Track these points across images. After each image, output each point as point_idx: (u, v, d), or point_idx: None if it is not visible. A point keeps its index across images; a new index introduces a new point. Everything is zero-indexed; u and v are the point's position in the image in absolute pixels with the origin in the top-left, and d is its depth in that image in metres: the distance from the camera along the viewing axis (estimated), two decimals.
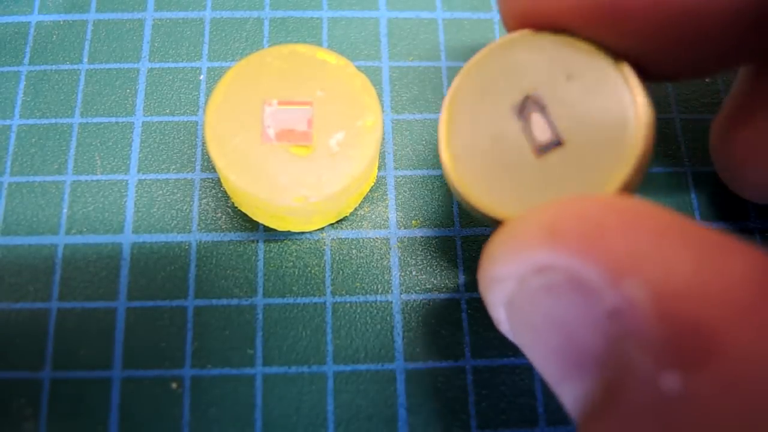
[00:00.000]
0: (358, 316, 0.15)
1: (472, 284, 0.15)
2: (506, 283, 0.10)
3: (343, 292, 0.15)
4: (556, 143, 0.11)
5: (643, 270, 0.08)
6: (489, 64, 0.12)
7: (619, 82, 0.10)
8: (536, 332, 0.09)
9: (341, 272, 0.15)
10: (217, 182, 0.16)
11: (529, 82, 0.11)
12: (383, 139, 0.17)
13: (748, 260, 0.08)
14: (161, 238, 0.15)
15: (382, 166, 0.16)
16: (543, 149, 0.11)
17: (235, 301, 0.15)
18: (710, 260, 0.08)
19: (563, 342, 0.09)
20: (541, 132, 0.11)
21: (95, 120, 0.16)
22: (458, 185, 0.11)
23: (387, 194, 0.16)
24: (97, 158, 0.16)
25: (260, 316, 0.15)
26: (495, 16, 0.18)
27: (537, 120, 0.11)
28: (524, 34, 0.11)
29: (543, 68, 0.11)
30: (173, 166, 0.16)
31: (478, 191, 0.11)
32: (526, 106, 0.11)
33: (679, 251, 0.08)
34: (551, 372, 0.09)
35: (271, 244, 0.15)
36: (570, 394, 0.09)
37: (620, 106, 0.10)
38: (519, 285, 0.09)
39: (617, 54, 0.11)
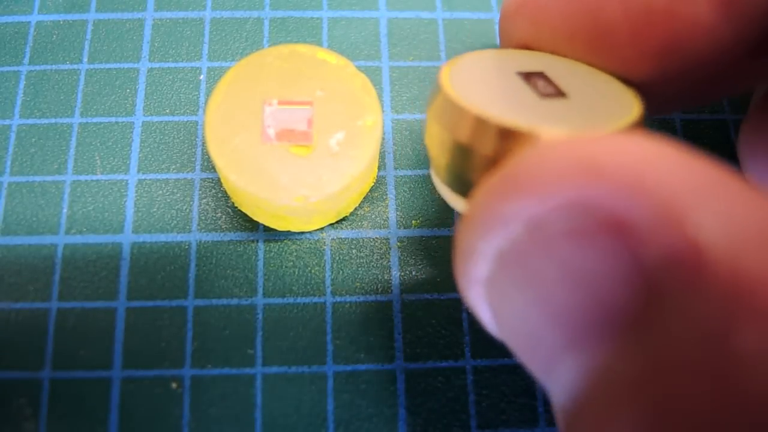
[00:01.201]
0: (358, 316, 0.15)
1: None
2: (510, 226, 0.08)
3: (343, 292, 0.15)
4: (560, 94, 0.11)
5: (712, 210, 0.06)
6: (490, 56, 0.12)
7: (619, 88, 0.11)
8: (540, 291, 0.08)
9: (341, 272, 0.15)
10: (217, 182, 0.16)
11: (532, 65, 0.11)
12: (383, 139, 0.17)
13: None
14: (161, 238, 0.15)
15: (382, 166, 0.16)
16: (546, 95, 0.11)
17: (235, 301, 0.15)
18: None
19: (579, 301, 0.07)
20: (545, 87, 0.11)
21: (95, 120, 0.16)
22: (466, 105, 0.10)
23: (387, 194, 0.16)
24: (97, 158, 0.16)
25: (260, 316, 0.15)
26: (495, 16, 0.18)
27: (541, 82, 0.11)
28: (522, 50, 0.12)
29: (544, 66, 0.11)
30: (173, 166, 0.16)
31: (482, 105, 0.10)
32: (531, 75, 0.11)
33: (746, 195, 0.07)
34: (549, 343, 0.08)
35: (271, 244, 0.15)
36: (573, 370, 0.08)
37: (621, 99, 0.11)
38: (529, 228, 0.08)
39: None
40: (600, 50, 0.11)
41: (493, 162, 0.10)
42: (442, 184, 0.11)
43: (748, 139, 0.14)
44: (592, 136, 0.08)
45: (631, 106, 0.10)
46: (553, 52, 0.12)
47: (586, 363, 0.08)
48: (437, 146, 0.11)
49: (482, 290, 0.09)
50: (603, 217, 0.07)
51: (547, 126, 0.09)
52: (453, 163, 0.11)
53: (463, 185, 0.11)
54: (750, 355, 0.06)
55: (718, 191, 0.07)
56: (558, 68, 0.11)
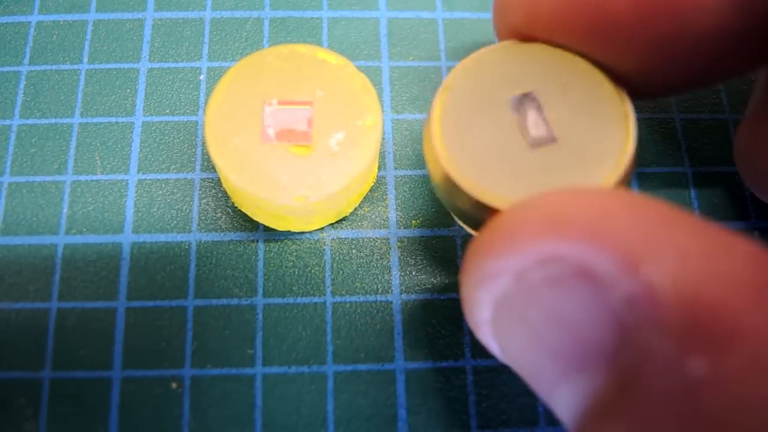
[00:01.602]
0: (358, 316, 0.15)
1: None
2: (500, 278, 0.09)
3: (343, 292, 0.15)
4: (551, 139, 0.11)
5: (660, 255, 0.07)
6: (484, 65, 0.12)
7: (611, 98, 0.11)
8: (532, 331, 0.09)
9: (341, 272, 0.15)
10: (217, 182, 0.16)
11: (525, 84, 0.11)
12: (383, 139, 0.17)
13: (748, 247, 0.08)
14: (161, 238, 0.15)
15: (382, 166, 0.16)
16: (537, 143, 0.11)
17: (235, 301, 0.15)
18: (718, 246, 0.08)
19: (565, 338, 0.09)
20: (536, 128, 0.11)
21: (95, 120, 0.16)
22: (449, 168, 0.11)
23: (387, 194, 0.16)
24: (97, 158, 0.16)
25: (260, 316, 0.15)
26: None
27: (532, 116, 0.11)
28: (516, 43, 0.12)
29: (539, 74, 0.11)
30: (173, 166, 0.16)
31: (469, 176, 0.11)
32: (523, 102, 0.11)
33: (690, 238, 0.08)
34: (546, 374, 0.09)
35: (271, 244, 0.15)
36: (569, 395, 0.09)
37: (612, 121, 0.11)
38: (516, 280, 0.09)
39: (608, 70, 0.11)
40: (600, 37, 0.11)
41: (475, 204, 0.11)
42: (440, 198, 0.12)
43: (745, 142, 0.14)
44: (557, 192, 0.09)
45: (623, 137, 0.10)
46: (548, 41, 0.11)
47: (579, 391, 0.09)
48: (430, 168, 0.12)
49: (488, 330, 0.10)
50: (573, 267, 0.08)
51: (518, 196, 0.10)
52: (441, 189, 0.11)
53: (453, 208, 0.12)
54: (703, 380, 0.07)
55: (668, 235, 0.08)
56: (552, 77, 0.11)
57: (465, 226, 0.13)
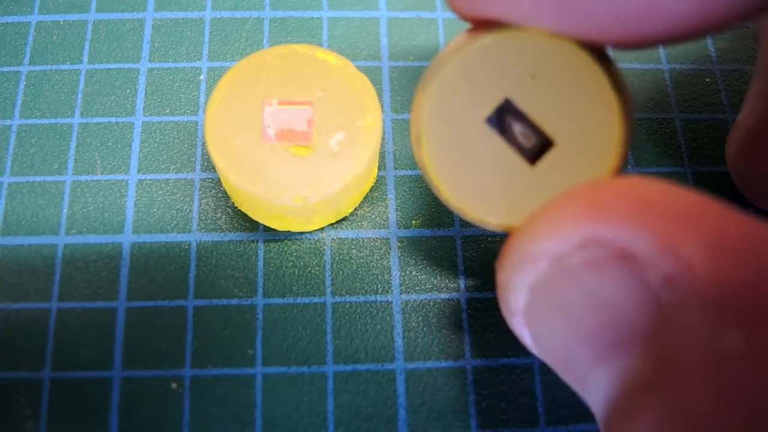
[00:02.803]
0: (358, 316, 0.15)
1: (472, 284, 0.15)
2: (538, 263, 0.09)
3: (343, 292, 0.15)
4: (548, 144, 0.10)
5: (697, 236, 0.08)
6: (451, 78, 0.11)
7: (594, 78, 0.10)
8: (569, 315, 0.09)
9: (341, 272, 0.15)
10: (217, 182, 0.16)
11: (497, 89, 0.10)
12: (383, 139, 0.17)
13: None
14: (161, 238, 0.15)
15: (382, 166, 0.16)
16: (534, 154, 0.11)
17: (235, 301, 0.15)
18: (750, 228, 0.08)
19: (603, 321, 0.09)
20: (527, 138, 0.11)
21: (95, 120, 0.16)
22: (458, 208, 0.11)
23: (387, 194, 0.16)
24: (97, 158, 0.16)
25: (260, 316, 0.15)
26: None
27: (518, 128, 0.11)
28: (478, 38, 0.11)
29: (508, 72, 0.10)
30: (173, 166, 0.16)
31: (479, 210, 0.11)
32: (503, 117, 0.11)
33: (724, 219, 0.08)
34: (582, 359, 0.09)
35: (271, 244, 0.15)
36: (606, 378, 0.09)
37: (599, 104, 0.10)
38: (555, 263, 0.09)
39: (582, 42, 0.10)
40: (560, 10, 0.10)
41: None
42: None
43: (737, 148, 0.14)
44: (598, 182, 0.09)
45: (612, 132, 0.10)
46: (517, 23, 0.10)
47: (615, 373, 0.09)
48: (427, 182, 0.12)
49: (522, 319, 0.10)
50: (612, 250, 0.08)
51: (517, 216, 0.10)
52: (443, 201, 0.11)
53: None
54: (738, 355, 0.07)
55: (702, 216, 0.08)
56: (524, 71, 0.10)
57: None
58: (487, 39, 0.10)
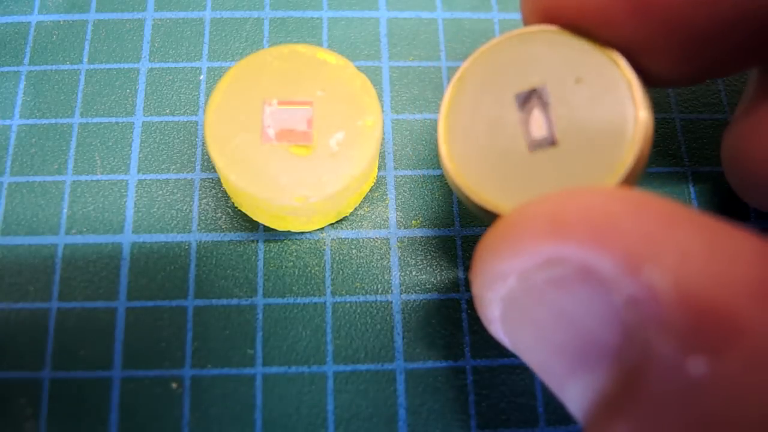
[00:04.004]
0: (358, 316, 0.15)
1: None
2: (506, 279, 0.09)
3: (343, 292, 0.15)
4: (550, 142, 0.11)
5: (661, 257, 0.08)
6: (500, 53, 0.12)
7: (625, 92, 0.10)
8: (539, 329, 0.09)
9: (341, 272, 0.15)
10: (217, 182, 0.16)
11: (537, 77, 0.11)
12: (383, 139, 0.17)
13: (751, 243, 0.08)
14: (161, 238, 0.15)
15: (382, 166, 0.16)
16: (536, 145, 0.11)
17: (235, 301, 0.15)
18: (720, 245, 0.08)
19: (571, 337, 0.09)
20: (538, 128, 0.11)
21: (95, 120, 0.16)
22: (453, 174, 0.11)
23: (387, 194, 0.16)
24: (97, 158, 0.16)
25: (260, 316, 0.15)
26: (495, 16, 0.18)
27: (537, 115, 0.11)
28: (539, 29, 0.11)
29: (553, 66, 0.11)
30: (173, 166, 0.16)
31: (472, 180, 0.11)
32: (530, 99, 0.11)
33: (691, 237, 0.08)
34: (555, 371, 0.09)
35: (271, 244, 0.15)
36: (578, 391, 0.09)
37: (622, 118, 0.10)
38: (521, 280, 0.09)
39: (627, 57, 0.11)
40: (634, 20, 0.10)
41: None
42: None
43: (732, 145, 0.14)
44: (558, 193, 0.09)
45: (630, 136, 0.10)
46: (572, 25, 0.11)
47: (587, 387, 0.09)
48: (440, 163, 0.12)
49: (499, 327, 0.10)
50: (576, 268, 0.08)
51: (516, 202, 0.10)
52: (455, 188, 0.12)
53: (467, 202, 0.12)
54: (703, 381, 0.07)
55: (669, 234, 0.08)
56: (567, 71, 0.11)
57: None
58: (533, 29, 0.11)
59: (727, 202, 0.16)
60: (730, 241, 0.08)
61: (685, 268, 0.07)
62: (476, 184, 0.11)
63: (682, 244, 0.08)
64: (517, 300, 0.09)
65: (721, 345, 0.07)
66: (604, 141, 0.10)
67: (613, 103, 0.10)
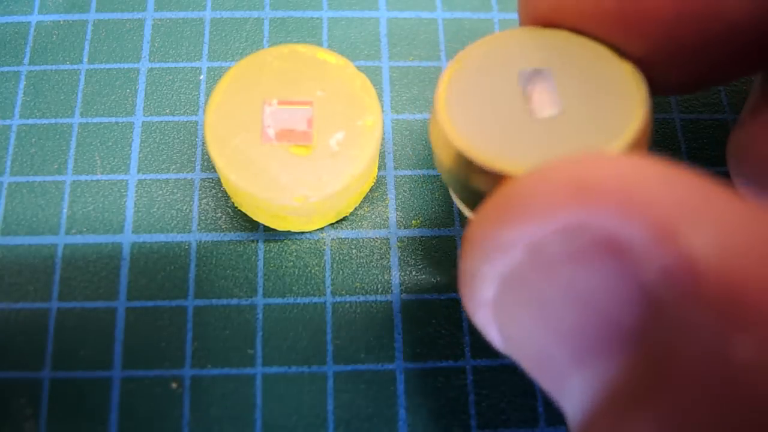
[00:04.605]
0: (358, 316, 0.15)
1: None
2: (509, 251, 0.08)
3: (343, 292, 0.15)
4: (555, 112, 0.11)
5: (701, 225, 0.07)
6: (503, 41, 0.12)
7: (628, 80, 0.11)
8: (546, 311, 0.08)
9: (341, 272, 0.15)
10: (217, 182, 0.16)
11: (540, 60, 0.11)
12: (383, 139, 0.17)
13: None
14: (161, 238, 0.15)
15: (382, 166, 0.16)
16: (540, 114, 0.11)
17: (235, 301, 0.15)
18: (762, 219, 0.07)
19: (582, 320, 0.08)
20: (542, 100, 0.11)
21: (95, 120, 0.16)
22: (453, 138, 0.11)
23: (387, 194, 0.16)
24: (97, 158, 0.16)
25: (260, 316, 0.15)
26: (495, 16, 0.18)
27: (541, 88, 0.11)
28: (538, 28, 0.12)
29: (556, 54, 0.11)
30: (173, 166, 0.16)
31: (481, 148, 0.10)
32: (533, 76, 0.11)
33: (731, 208, 0.07)
34: (557, 362, 0.08)
35: (271, 244, 0.15)
36: (582, 385, 0.08)
37: (626, 90, 0.10)
38: (530, 252, 0.08)
39: (629, 59, 0.11)
40: (629, 26, 0.10)
41: (491, 179, 0.10)
42: (449, 187, 0.12)
43: (739, 147, 0.14)
44: (581, 157, 0.08)
45: (634, 116, 0.10)
46: (574, 28, 0.11)
47: (595, 378, 0.08)
48: (438, 152, 0.11)
49: (489, 312, 0.09)
50: (599, 239, 0.07)
51: (527, 163, 0.09)
52: (453, 171, 0.11)
53: (466, 191, 0.12)
54: (748, 363, 0.06)
55: (707, 204, 0.07)
56: (568, 59, 0.11)
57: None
58: (535, 27, 0.12)
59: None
60: (764, 213, 0.07)
61: (728, 238, 0.07)
62: (479, 148, 0.10)
63: (723, 214, 0.07)
64: (521, 276, 0.08)
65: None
66: (610, 109, 0.10)
67: (617, 88, 0.11)
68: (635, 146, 0.10)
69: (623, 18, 0.10)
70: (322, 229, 0.16)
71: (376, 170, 0.16)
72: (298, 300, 0.15)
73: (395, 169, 0.16)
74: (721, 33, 0.10)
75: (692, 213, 0.07)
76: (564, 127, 0.10)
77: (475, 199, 0.12)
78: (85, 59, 0.17)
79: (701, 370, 0.07)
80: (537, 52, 0.11)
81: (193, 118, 0.17)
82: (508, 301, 0.09)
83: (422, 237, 0.16)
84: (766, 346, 0.06)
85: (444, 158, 0.11)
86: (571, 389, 0.08)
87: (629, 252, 0.07)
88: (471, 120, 0.11)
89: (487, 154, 0.10)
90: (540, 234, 0.08)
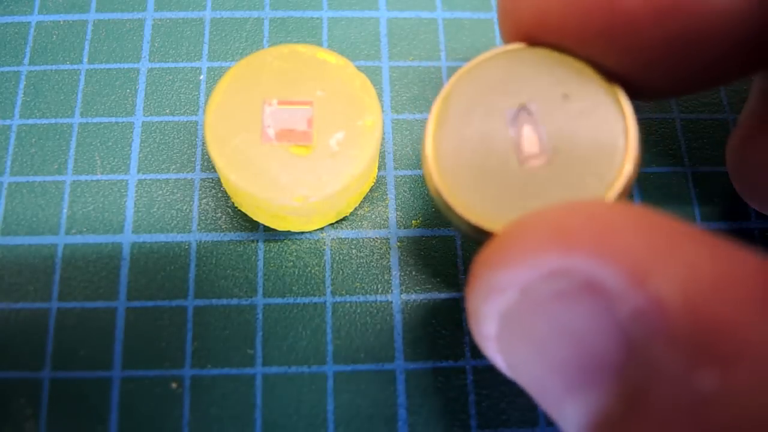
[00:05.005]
0: (358, 316, 0.15)
1: None
2: (505, 293, 0.09)
3: (343, 292, 0.15)
4: (543, 159, 0.11)
5: (668, 268, 0.07)
6: (485, 71, 0.11)
7: (613, 108, 0.11)
8: (539, 345, 0.09)
9: (341, 272, 0.15)
10: (217, 182, 0.16)
11: (525, 94, 0.11)
12: (383, 139, 0.17)
13: (754, 261, 0.08)
14: (161, 238, 0.15)
15: (382, 166, 0.16)
16: (528, 162, 0.11)
17: (235, 301, 0.15)
18: (726, 259, 0.08)
19: (572, 353, 0.09)
20: (530, 145, 0.11)
21: (95, 120, 0.16)
22: (442, 190, 0.11)
23: (387, 194, 0.16)
24: (97, 158, 0.16)
25: (260, 316, 0.15)
26: (495, 15, 0.18)
27: (527, 132, 0.11)
28: (521, 47, 0.11)
29: (539, 83, 0.11)
30: (173, 166, 0.16)
31: (465, 200, 0.11)
32: (519, 116, 0.11)
33: (697, 251, 0.08)
34: (553, 389, 0.09)
35: (271, 244, 0.15)
36: (577, 410, 0.09)
37: (612, 133, 0.10)
38: (523, 293, 0.09)
39: (612, 74, 0.11)
40: (611, 37, 0.10)
41: (472, 228, 0.11)
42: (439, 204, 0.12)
43: (737, 152, 0.14)
44: (562, 205, 0.09)
45: (623, 151, 0.10)
46: (555, 44, 0.11)
47: (585, 406, 0.08)
48: (426, 183, 0.12)
49: (494, 344, 0.10)
50: (580, 281, 0.08)
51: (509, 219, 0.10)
52: (439, 206, 0.11)
53: (451, 223, 0.12)
54: (713, 395, 0.07)
55: (675, 247, 0.08)
56: (555, 88, 0.11)
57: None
58: (516, 47, 0.11)
59: (727, 202, 0.16)
60: (734, 256, 0.08)
61: (693, 281, 0.07)
62: (469, 204, 0.11)
63: (689, 256, 0.08)
64: (516, 314, 0.09)
65: (731, 359, 0.07)
66: (596, 155, 0.10)
67: (603, 118, 0.11)
68: (622, 195, 0.10)
69: (607, 31, 0.10)
70: (322, 229, 0.16)
71: (376, 170, 0.16)
72: (298, 300, 0.15)
73: (395, 169, 0.16)
74: (710, 30, 0.10)
75: (661, 256, 0.08)
76: (550, 177, 0.10)
77: (458, 229, 0.12)
78: (85, 59, 0.17)
79: (671, 401, 0.07)
80: (522, 84, 0.11)
81: (193, 118, 0.17)
82: (507, 336, 0.10)
83: (422, 237, 0.16)
84: (729, 378, 0.07)
85: (431, 191, 0.12)
86: (567, 415, 0.09)
87: (606, 293, 0.08)
88: (459, 165, 0.11)
89: (479, 212, 0.11)
90: (530, 277, 0.09)
